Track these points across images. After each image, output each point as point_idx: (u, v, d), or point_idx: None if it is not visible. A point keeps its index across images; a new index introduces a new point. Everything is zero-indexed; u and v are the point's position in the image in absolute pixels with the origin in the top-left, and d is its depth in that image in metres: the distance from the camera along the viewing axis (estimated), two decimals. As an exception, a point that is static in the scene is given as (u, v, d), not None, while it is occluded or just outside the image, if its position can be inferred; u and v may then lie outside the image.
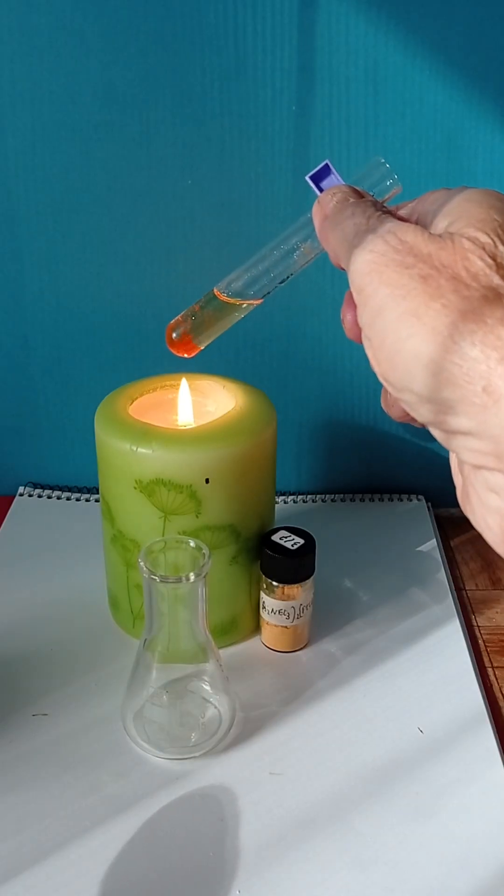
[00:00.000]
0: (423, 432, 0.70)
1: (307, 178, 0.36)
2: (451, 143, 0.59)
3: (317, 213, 0.34)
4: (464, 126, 0.59)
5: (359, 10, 0.56)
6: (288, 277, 0.38)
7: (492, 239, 0.27)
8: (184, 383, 0.55)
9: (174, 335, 0.40)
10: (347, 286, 0.34)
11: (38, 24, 0.57)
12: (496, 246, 0.27)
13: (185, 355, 0.41)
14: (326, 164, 0.36)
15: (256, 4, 0.56)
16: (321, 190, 0.36)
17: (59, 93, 0.58)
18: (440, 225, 0.29)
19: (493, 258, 0.27)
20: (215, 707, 0.48)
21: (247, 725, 0.49)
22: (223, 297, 0.39)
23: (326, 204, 0.33)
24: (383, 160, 0.36)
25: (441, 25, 0.56)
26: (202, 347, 0.41)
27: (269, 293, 0.39)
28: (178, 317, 0.40)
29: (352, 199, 0.33)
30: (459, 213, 0.28)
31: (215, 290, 0.39)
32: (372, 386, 0.68)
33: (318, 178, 0.36)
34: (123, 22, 0.57)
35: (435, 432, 0.28)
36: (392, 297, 0.27)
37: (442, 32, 0.56)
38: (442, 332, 0.26)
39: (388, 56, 0.57)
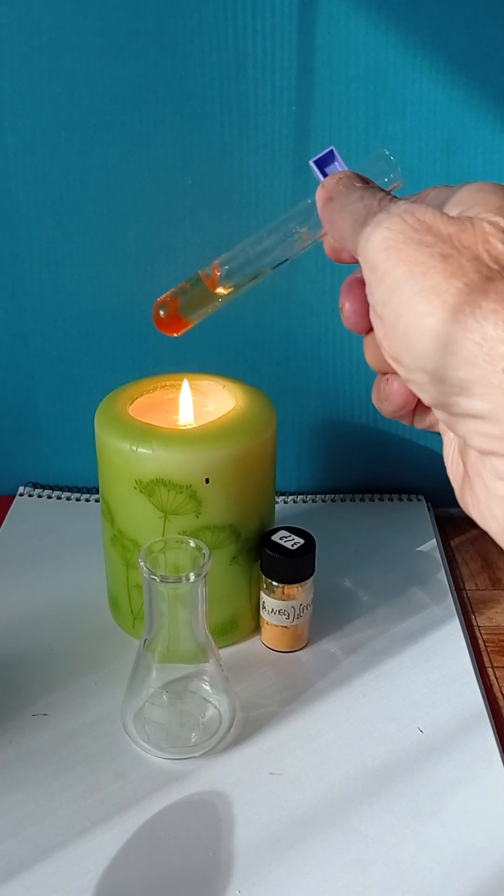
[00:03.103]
0: (423, 432, 0.70)
1: (311, 163, 0.36)
2: (451, 142, 0.59)
3: (320, 196, 0.34)
4: (464, 126, 0.59)
5: (359, 10, 0.56)
6: (282, 263, 0.38)
7: None
8: (185, 384, 0.55)
9: (161, 312, 0.39)
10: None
11: (38, 24, 0.57)
12: None
13: (174, 334, 0.39)
14: (331, 150, 0.36)
15: (256, 4, 0.56)
16: (324, 175, 0.35)
17: (59, 93, 0.58)
18: (451, 213, 0.29)
19: None
20: (215, 707, 0.48)
21: (247, 725, 0.49)
22: (207, 281, 0.38)
23: (332, 187, 0.33)
24: (388, 152, 0.36)
25: (441, 25, 0.56)
26: (191, 326, 0.39)
27: (258, 276, 0.38)
28: (167, 294, 0.39)
29: (358, 184, 0.33)
30: (474, 201, 0.28)
31: (200, 274, 0.38)
32: (372, 385, 0.68)
33: (322, 164, 0.36)
34: (123, 22, 0.57)
35: (441, 416, 0.28)
36: (410, 273, 0.27)
37: (442, 32, 0.56)
38: (464, 310, 0.25)
39: (388, 56, 0.57)
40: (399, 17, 0.56)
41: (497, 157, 0.60)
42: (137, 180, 0.61)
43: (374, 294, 0.28)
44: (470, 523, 0.29)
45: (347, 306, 0.34)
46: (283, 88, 0.58)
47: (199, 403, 0.56)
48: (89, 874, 0.41)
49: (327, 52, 0.57)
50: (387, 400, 0.34)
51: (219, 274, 0.37)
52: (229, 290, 0.38)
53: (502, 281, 0.25)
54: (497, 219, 0.27)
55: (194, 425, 0.54)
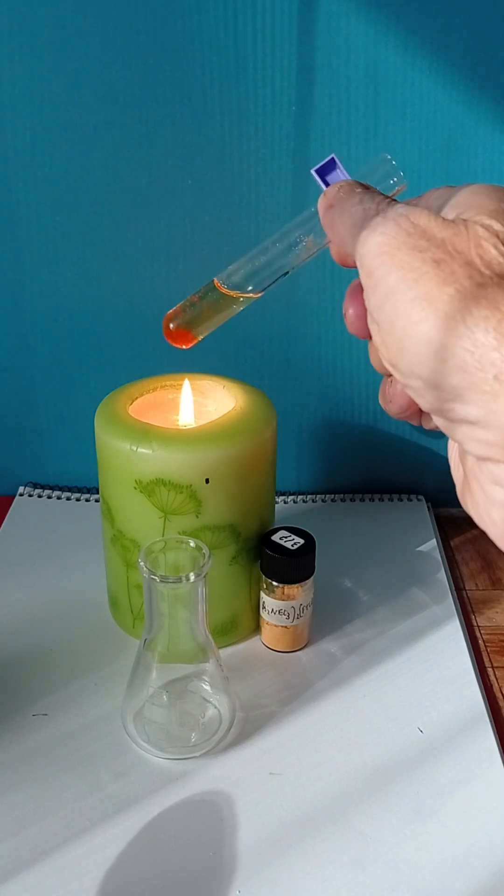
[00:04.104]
0: (423, 431, 0.70)
1: (313, 172, 0.36)
2: (451, 143, 0.59)
3: (322, 204, 0.34)
4: (464, 126, 0.59)
5: (359, 10, 0.56)
6: (288, 272, 0.38)
7: None
8: (186, 384, 0.55)
9: (172, 325, 0.39)
10: (348, 285, 0.34)
11: (38, 24, 0.57)
12: None
13: (183, 346, 0.40)
14: (332, 159, 0.36)
15: (256, 4, 0.56)
16: (326, 184, 0.36)
17: (59, 93, 0.58)
18: (448, 215, 0.29)
19: None
20: (215, 707, 0.48)
21: (247, 725, 0.49)
22: (223, 290, 0.38)
23: (333, 195, 0.33)
24: (389, 157, 0.36)
25: (441, 25, 0.56)
26: (200, 339, 0.40)
27: (268, 287, 0.38)
28: (177, 307, 0.39)
29: (359, 190, 0.33)
30: (469, 204, 0.28)
31: (215, 282, 0.39)
32: (372, 386, 0.68)
33: (323, 172, 0.36)
34: (123, 22, 0.57)
35: (439, 421, 0.28)
36: (404, 280, 0.27)
37: (442, 32, 0.56)
38: (455, 317, 0.25)
39: (388, 56, 0.57)
40: (399, 17, 0.56)
41: (497, 157, 0.60)
42: (137, 180, 0.61)
43: (370, 300, 0.28)
44: (470, 523, 0.29)
45: (351, 311, 0.34)
46: (283, 88, 0.58)
47: (199, 403, 0.56)
48: (89, 874, 0.41)
49: (327, 52, 0.57)
50: (391, 401, 0.34)
51: (229, 286, 0.38)
52: (240, 302, 0.39)
53: (493, 287, 0.25)
54: (490, 222, 0.27)
55: (194, 425, 0.54)
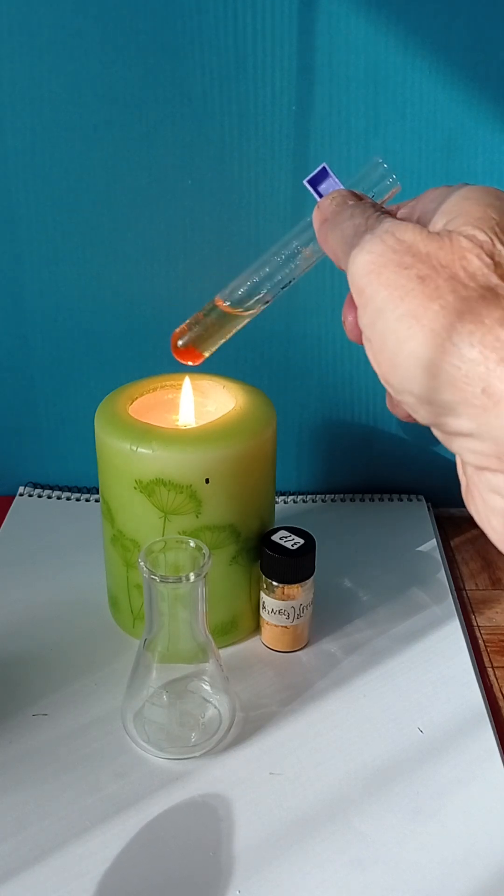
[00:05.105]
0: (423, 431, 0.70)
1: (305, 182, 0.36)
2: (451, 143, 0.59)
3: (316, 217, 0.34)
4: (464, 126, 0.59)
5: (359, 10, 0.56)
6: (290, 283, 0.38)
7: (489, 237, 0.27)
8: (187, 382, 0.55)
9: (179, 343, 0.40)
10: (348, 286, 0.34)
11: (38, 24, 0.57)
12: (494, 245, 0.27)
13: (191, 363, 0.41)
14: (324, 168, 0.36)
15: (256, 4, 0.56)
16: (319, 193, 0.36)
17: (59, 93, 0.58)
18: (438, 223, 0.29)
19: (491, 257, 0.26)
20: (215, 707, 0.48)
21: (247, 725, 0.49)
22: (225, 308, 0.39)
23: (326, 208, 0.33)
24: (381, 160, 0.36)
25: (441, 25, 0.56)
26: (207, 355, 0.41)
27: (271, 300, 0.39)
28: (183, 325, 0.40)
29: (351, 202, 0.33)
30: (458, 212, 0.28)
31: (217, 300, 0.39)
32: (372, 386, 0.68)
33: (315, 182, 0.36)
34: (123, 22, 0.57)
35: (436, 433, 0.28)
36: (391, 298, 0.27)
37: (442, 32, 0.56)
38: (440, 333, 0.26)
39: (388, 56, 0.57)
40: (399, 17, 0.56)
41: (497, 157, 0.60)
42: (137, 180, 0.61)
43: (362, 318, 0.29)
44: (470, 523, 0.29)
45: (350, 319, 0.34)
46: (283, 88, 0.58)
47: (199, 403, 0.56)
48: (89, 874, 0.41)
49: (327, 53, 0.57)
50: (398, 406, 0.34)
51: (231, 304, 0.39)
52: (245, 317, 0.39)
53: (477, 300, 0.25)
54: (475, 232, 0.27)
55: (194, 425, 0.54)
